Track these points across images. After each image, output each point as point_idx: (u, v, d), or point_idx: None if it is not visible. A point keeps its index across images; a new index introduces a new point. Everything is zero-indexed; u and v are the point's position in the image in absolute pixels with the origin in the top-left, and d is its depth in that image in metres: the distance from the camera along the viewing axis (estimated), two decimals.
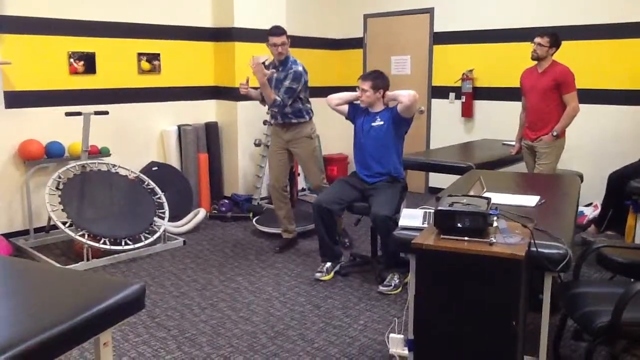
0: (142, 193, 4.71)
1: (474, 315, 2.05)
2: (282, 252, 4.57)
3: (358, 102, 4.03)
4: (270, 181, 4.65)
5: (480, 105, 6.23)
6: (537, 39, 4.37)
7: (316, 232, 4.03)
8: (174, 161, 5.64)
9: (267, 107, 4.52)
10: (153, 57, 5.49)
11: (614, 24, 5.22)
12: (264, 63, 4.33)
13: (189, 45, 5.78)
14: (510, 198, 2.92)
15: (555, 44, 4.37)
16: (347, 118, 4.18)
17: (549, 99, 4.38)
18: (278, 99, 4.27)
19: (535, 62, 4.47)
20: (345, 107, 4.10)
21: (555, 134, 4.37)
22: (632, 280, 3.09)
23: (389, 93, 3.95)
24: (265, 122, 5.91)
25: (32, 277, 1.98)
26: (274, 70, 4.37)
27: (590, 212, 5.06)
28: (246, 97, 5.87)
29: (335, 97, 4.12)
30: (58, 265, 4.05)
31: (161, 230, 4.57)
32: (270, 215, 5.31)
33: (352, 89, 4.29)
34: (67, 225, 4.16)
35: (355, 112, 4.07)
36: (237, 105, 5.85)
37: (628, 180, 4.18)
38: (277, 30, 4.31)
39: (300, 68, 4.35)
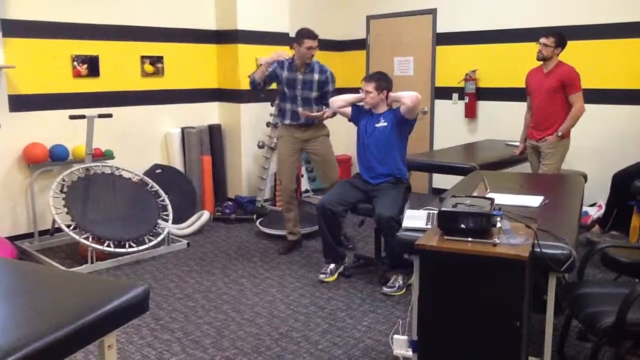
0: (145, 195, 4.72)
1: (478, 316, 2.04)
2: (286, 254, 4.57)
3: (361, 103, 4.03)
4: (283, 183, 4.60)
5: (483, 106, 6.22)
6: (542, 40, 4.36)
7: (320, 234, 4.02)
8: (177, 163, 5.65)
9: (283, 107, 4.51)
10: (156, 60, 5.50)
11: (619, 23, 5.20)
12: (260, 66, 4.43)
13: (192, 47, 5.79)
14: (513, 198, 2.91)
15: (560, 44, 4.36)
16: (350, 120, 4.18)
17: (554, 100, 4.37)
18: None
19: (541, 63, 4.46)
20: (349, 109, 4.10)
21: (560, 134, 4.36)
22: (637, 280, 3.09)
23: (392, 94, 3.95)
24: (268, 124, 5.91)
25: (37, 279, 1.98)
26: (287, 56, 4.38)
27: (595, 212, 5.04)
28: (250, 99, 5.90)
29: (339, 100, 4.12)
30: (62, 267, 4.07)
31: (165, 232, 4.58)
32: (274, 217, 5.31)
33: (355, 90, 4.29)
34: (71, 228, 4.17)
35: (358, 114, 4.07)
36: (240, 107, 5.86)
37: (632, 180, 4.17)
38: (314, 34, 4.35)
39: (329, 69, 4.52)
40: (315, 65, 4.45)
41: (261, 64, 4.50)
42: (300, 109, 4.41)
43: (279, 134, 4.67)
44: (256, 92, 4.88)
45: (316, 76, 4.43)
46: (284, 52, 4.35)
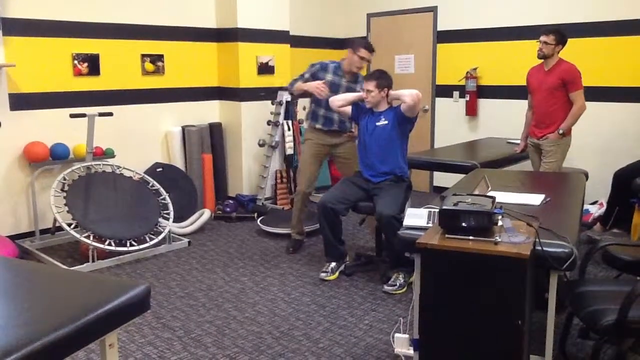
0: (146, 194, 4.72)
1: (479, 315, 2.04)
2: (295, 252, 4.56)
3: (360, 102, 4.02)
4: (301, 186, 4.55)
5: (484, 104, 6.21)
6: (543, 37, 4.34)
7: (321, 232, 4.02)
8: (178, 162, 5.65)
9: (316, 111, 4.42)
10: (157, 58, 5.50)
11: (620, 21, 5.19)
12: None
13: (192, 46, 5.79)
14: (515, 197, 2.91)
15: (561, 42, 4.35)
16: (350, 119, 4.17)
17: (555, 97, 4.36)
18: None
19: (542, 60, 4.45)
20: (349, 109, 4.08)
21: (561, 132, 4.36)
22: (639, 278, 3.08)
23: (392, 92, 3.94)
24: (269, 123, 5.91)
25: (38, 278, 1.98)
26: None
27: (596, 210, 5.04)
28: (250, 98, 5.91)
29: (339, 99, 4.10)
30: (64, 266, 4.07)
31: (166, 231, 4.58)
32: (275, 216, 5.31)
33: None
34: (72, 226, 4.17)
35: (358, 113, 4.06)
36: (240, 105, 5.86)
37: (634, 177, 4.17)
38: (372, 47, 4.28)
39: None
40: (359, 77, 4.39)
41: (302, 78, 4.40)
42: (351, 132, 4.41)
43: (306, 136, 4.57)
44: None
45: (359, 87, 4.33)
46: (325, 90, 4.23)
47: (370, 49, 4.26)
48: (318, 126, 4.45)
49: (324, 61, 4.43)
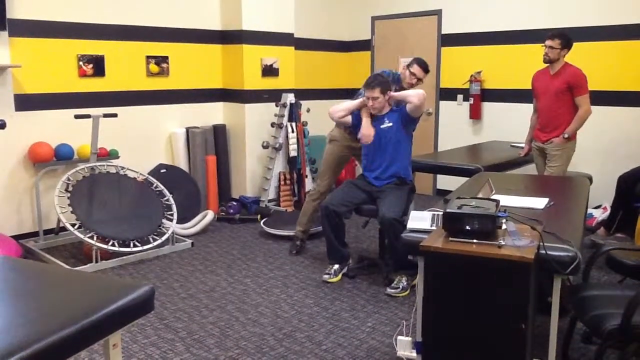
0: (150, 195, 4.73)
1: (482, 318, 2.04)
2: (298, 254, 4.55)
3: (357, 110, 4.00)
4: (321, 187, 4.49)
5: (488, 107, 6.21)
6: (548, 42, 4.33)
7: (324, 234, 4.02)
8: (182, 163, 5.66)
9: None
10: (161, 60, 5.51)
11: (625, 25, 5.18)
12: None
13: (197, 47, 5.80)
14: (518, 200, 2.91)
15: (566, 45, 4.33)
16: (351, 127, 4.13)
17: (561, 101, 4.35)
18: None
19: (547, 64, 4.45)
20: (349, 118, 4.06)
21: (566, 136, 4.35)
22: None
23: (397, 94, 3.94)
24: (273, 124, 5.92)
25: (42, 278, 1.99)
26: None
27: (600, 215, 5.03)
28: (254, 100, 5.92)
29: (338, 110, 4.04)
30: (67, 267, 4.08)
31: (169, 232, 4.58)
32: (278, 218, 5.31)
33: (359, 91, 4.28)
34: (76, 227, 4.18)
35: (358, 120, 4.04)
36: (244, 107, 5.87)
37: (638, 182, 4.16)
38: (427, 67, 4.24)
39: None
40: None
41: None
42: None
43: (333, 137, 4.42)
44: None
45: (361, 97, 4.18)
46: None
47: (422, 66, 4.18)
48: (346, 131, 4.30)
49: (385, 70, 4.28)
